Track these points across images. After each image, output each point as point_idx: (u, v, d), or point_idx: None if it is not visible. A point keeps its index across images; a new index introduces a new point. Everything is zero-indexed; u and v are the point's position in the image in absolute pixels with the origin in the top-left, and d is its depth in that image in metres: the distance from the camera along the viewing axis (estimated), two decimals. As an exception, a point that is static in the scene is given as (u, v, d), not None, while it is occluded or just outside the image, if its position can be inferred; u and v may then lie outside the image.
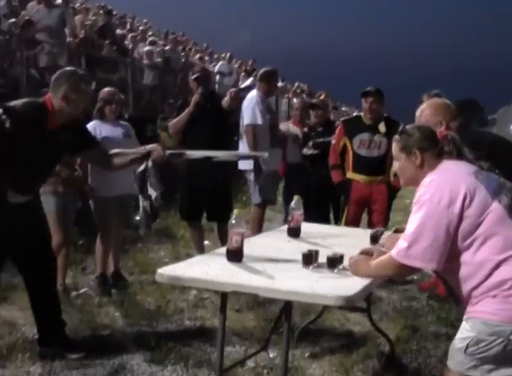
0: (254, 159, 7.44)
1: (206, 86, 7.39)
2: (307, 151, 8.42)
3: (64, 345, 4.92)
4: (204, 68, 9.11)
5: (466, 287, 3.20)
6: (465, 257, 3.16)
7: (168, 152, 4.89)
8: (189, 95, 7.49)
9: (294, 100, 11.03)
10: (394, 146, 3.51)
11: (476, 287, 3.15)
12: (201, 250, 7.34)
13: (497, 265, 3.09)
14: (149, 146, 4.84)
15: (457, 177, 3.24)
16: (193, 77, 7.42)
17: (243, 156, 7.08)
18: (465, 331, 3.19)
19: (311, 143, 8.35)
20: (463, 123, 4.15)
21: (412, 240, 3.20)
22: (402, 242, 3.25)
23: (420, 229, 3.18)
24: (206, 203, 7.41)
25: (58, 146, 4.69)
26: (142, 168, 5.42)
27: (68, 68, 4.87)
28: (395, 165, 3.54)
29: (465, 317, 3.23)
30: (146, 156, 4.88)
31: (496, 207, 3.14)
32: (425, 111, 4.13)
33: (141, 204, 5.84)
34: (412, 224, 3.22)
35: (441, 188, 3.19)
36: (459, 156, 3.41)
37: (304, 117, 8.97)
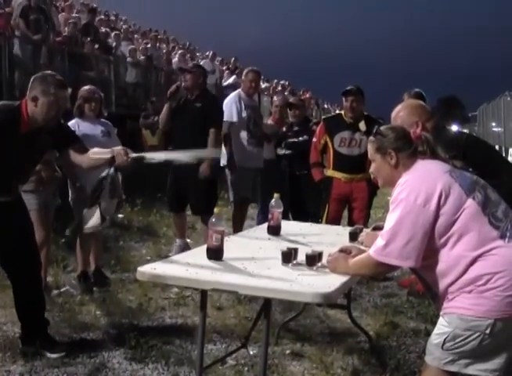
0: (211, 158, 7.18)
1: (192, 82, 7.41)
2: (279, 151, 8.48)
3: (45, 344, 4.89)
4: (195, 64, 9.33)
5: (442, 284, 3.25)
6: (441, 254, 3.20)
7: (131, 156, 4.60)
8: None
9: (275, 98, 10.96)
10: (370, 148, 3.54)
11: (452, 284, 3.19)
12: (183, 237, 7.80)
13: (472, 262, 3.13)
14: (116, 150, 4.60)
15: (432, 175, 3.28)
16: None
17: (201, 156, 6.49)
18: (442, 327, 3.23)
19: (283, 143, 8.41)
20: (438, 123, 4.18)
21: (389, 238, 3.23)
22: (380, 240, 3.29)
23: (396, 227, 3.22)
24: (191, 196, 7.47)
25: (35, 148, 4.66)
26: (103, 174, 4.86)
27: (47, 72, 4.75)
28: (372, 166, 3.58)
29: (442, 313, 3.28)
30: (111, 161, 4.60)
31: (471, 204, 3.19)
32: (400, 113, 4.15)
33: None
34: (390, 223, 3.26)
35: (416, 186, 3.23)
36: (434, 155, 3.45)
37: (284, 116, 8.96)
